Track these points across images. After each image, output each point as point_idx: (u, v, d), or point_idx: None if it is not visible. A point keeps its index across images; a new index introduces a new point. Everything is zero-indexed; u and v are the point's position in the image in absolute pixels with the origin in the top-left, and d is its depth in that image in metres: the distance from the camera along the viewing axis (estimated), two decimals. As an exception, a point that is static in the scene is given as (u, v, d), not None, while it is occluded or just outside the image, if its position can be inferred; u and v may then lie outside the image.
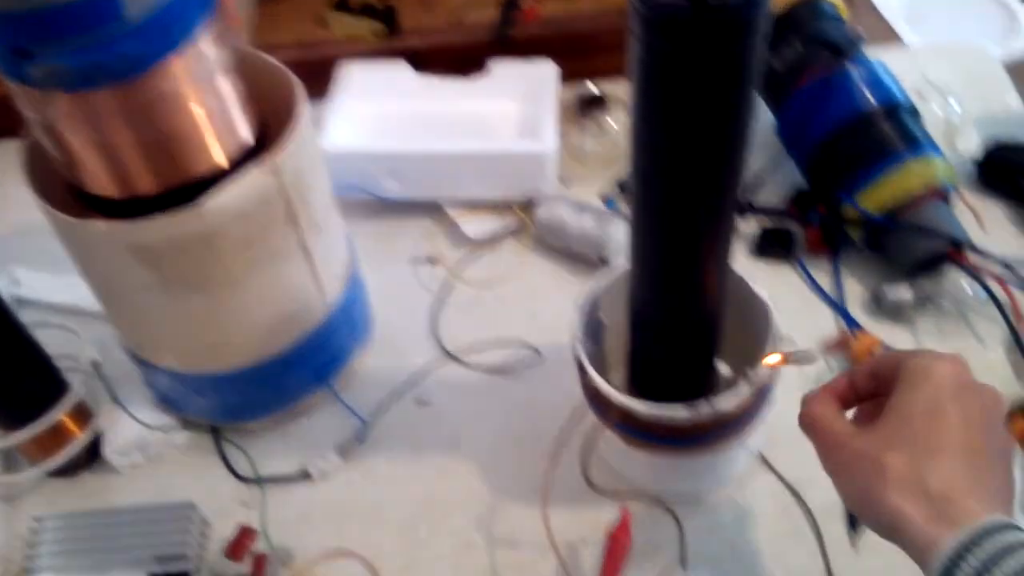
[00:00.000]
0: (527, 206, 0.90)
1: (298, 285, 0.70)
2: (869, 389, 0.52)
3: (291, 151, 0.63)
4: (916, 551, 0.44)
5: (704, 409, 0.61)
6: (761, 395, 0.64)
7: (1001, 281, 0.80)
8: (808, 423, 0.51)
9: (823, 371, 0.79)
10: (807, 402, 0.53)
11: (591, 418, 0.68)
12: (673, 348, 0.63)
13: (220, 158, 0.62)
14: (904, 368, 0.47)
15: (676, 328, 0.61)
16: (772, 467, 0.74)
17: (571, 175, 0.95)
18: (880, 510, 0.45)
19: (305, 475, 0.76)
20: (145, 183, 0.60)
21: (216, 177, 0.61)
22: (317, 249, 0.70)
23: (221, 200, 0.60)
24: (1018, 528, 0.42)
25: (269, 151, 0.63)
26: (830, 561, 0.69)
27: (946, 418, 0.45)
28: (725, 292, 0.60)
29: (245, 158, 0.63)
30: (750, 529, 0.71)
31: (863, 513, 0.47)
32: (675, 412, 0.61)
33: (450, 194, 0.91)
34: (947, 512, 0.43)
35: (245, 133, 0.63)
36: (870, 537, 0.69)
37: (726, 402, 0.61)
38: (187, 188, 0.60)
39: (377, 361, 0.83)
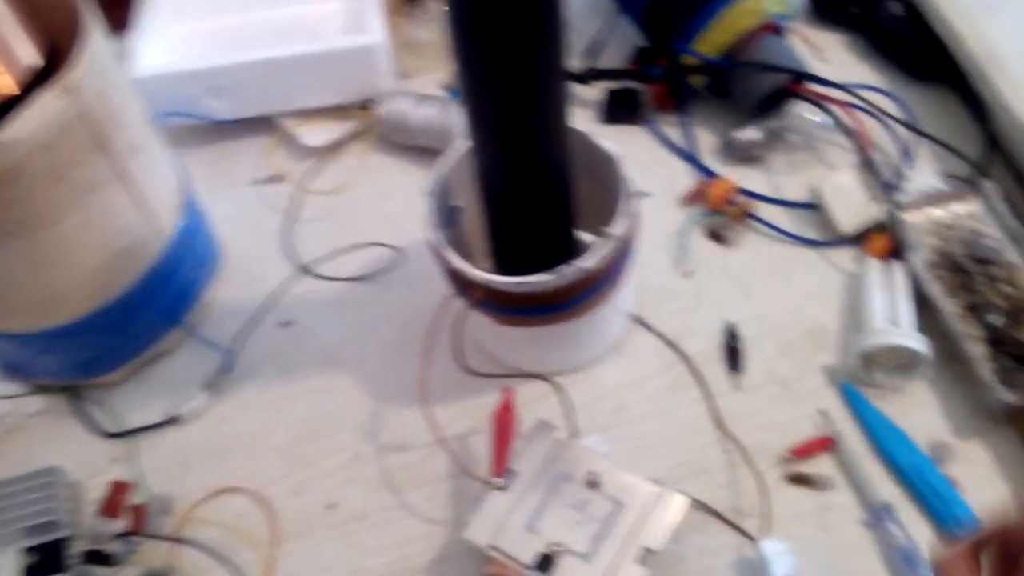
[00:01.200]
0: (367, 106, 0.86)
1: (123, 218, 0.65)
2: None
3: (85, 70, 0.58)
4: None
5: (567, 271, 0.59)
6: (622, 250, 0.63)
7: (844, 106, 0.81)
8: None
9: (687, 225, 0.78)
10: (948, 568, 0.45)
11: (459, 306, 0.65)
12: (525, 216, 0.61)
13: (8, 83, 0.56)
14: None
15: (523, 193, 0.59)
16: (648, 326, 0.73)
17: (409, 68, 0.91)
18: None
19: (175, 419, 0.72)
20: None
21: (7, 108, 0.56)
22: (138, 177, 0.65)
23: (16, 129, 0.55)
24: None
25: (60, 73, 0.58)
26: (717, 404, 0.69)
27: None
28: (567, 150, 0.58)
29: (37, 84, 0.58)
30: (635, 390, 0.71)
31: None
32: (537, 279, 0.59)
33: (282, 106, 0.86)
34: None
35: (29, 54, 0.58)
36: (750, 376, 0.70)
37: (587, 261, 0.59)
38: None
39: (232, 290, 0.79)
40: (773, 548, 0.60)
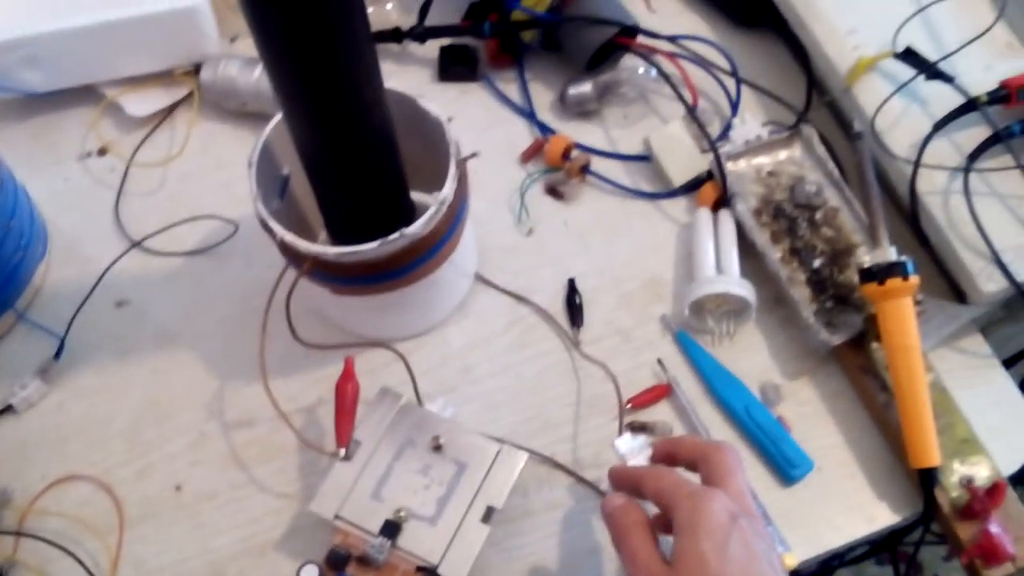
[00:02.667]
0: (194, 71, 0.83)
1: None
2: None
3: None
4: None
5: (392, 239, 0.59)
6: (454, 214, 0.63)
7: (671, 57, 0.82)
8: (620, 543, 0.52)
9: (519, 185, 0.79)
10: (617, 516, 0.53)
11: (294, 278, 0.65)
12: (348, 183, 0.61)
13: None
14: (680, 511, 0.49)
15: (342, 161, 0.59)
16: (491, 284, 0.74)
17: (237, 29, 0.88)
18: None
19: (8, 408, 0.69)
20: None
21: None
22: (-59, 162, 0.62)
23: None
24: None
25: None
26: (561, 359, 0.71)
27: (736, 560, 0.47)
28: (384, 114, 0.57)
29: None
30: (480, 349, 0.72)
31: None
32: (363, 248, 0.59)
33: (104, 74, 0.82)
34: None
35: None
36: (591, 329, 0.72)
37: (415, 227, 0.59)
38: None
39: (62, 271, 0.76)
40: (628, 443, 0.62)
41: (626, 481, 0.55)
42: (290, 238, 0.61)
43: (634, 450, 0.62)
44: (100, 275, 0.74)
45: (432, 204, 0.60)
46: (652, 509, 0.52)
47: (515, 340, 0.72)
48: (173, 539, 0.65)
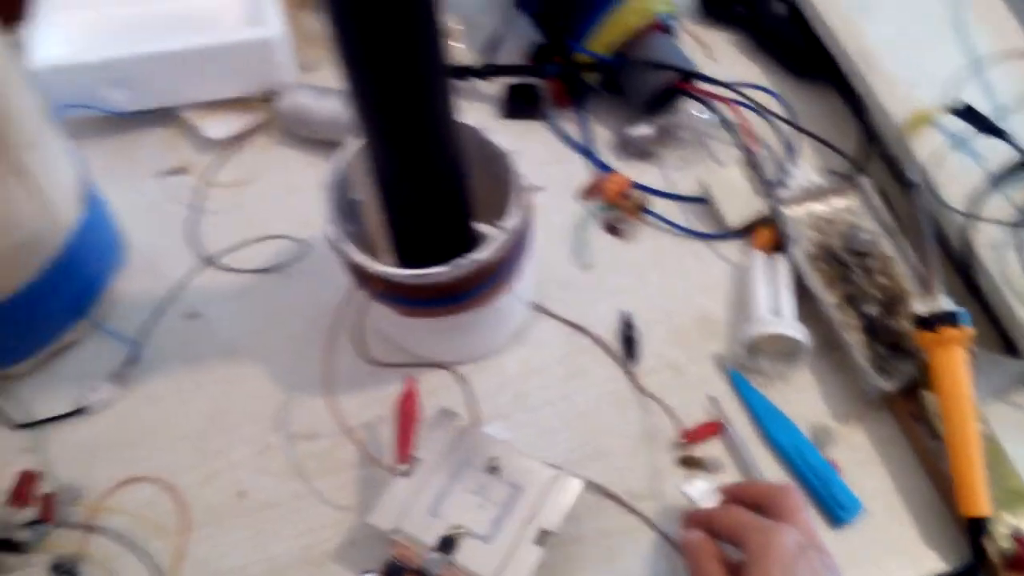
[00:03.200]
0: (269, 98, 0.87)
1: (19, 212, 0.65)
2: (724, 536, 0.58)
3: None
4: None
5: (462, 263, 0.61)
6: (517, 242, 0.66)
7: (730, 103, 0.85)
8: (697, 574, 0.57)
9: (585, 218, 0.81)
10: (694, 550, 0.58)
11: (362, 298, 0.67)
12: (419, 210, 0.63)
13: None
14: (750, 544, 0.54)
15: (415, 188, 0.61)
16: (549, 314, 0.76)
17: (312, 60, 0.92)
18: None
19: (82, 410, 0.72)
20: None
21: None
22: (35, 171, 0.65)
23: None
24: None
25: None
26: (614, 391, 0.73)
27: None
28: (457, 145, 0.60)
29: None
30: (535, 377, 0.74)
31: None
32: (433, 272, 0.62)
33: (184, 97, 0.86)
34: None
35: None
36: (645, 364, 0.74)
37: (482, 253, 0.62)
38: None
39: (137, 283, 0.79)
40: (699, 489, 0.64)
41: (702, 521, 0.59)
42: (361, 259, 0.63)
43: (703, 494, 0.64)
44: (173, 288, 0.77)
45: (494, 234, 0.63)
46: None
47: (570, 369, 0.74)
48: (235, 544, 0.67)
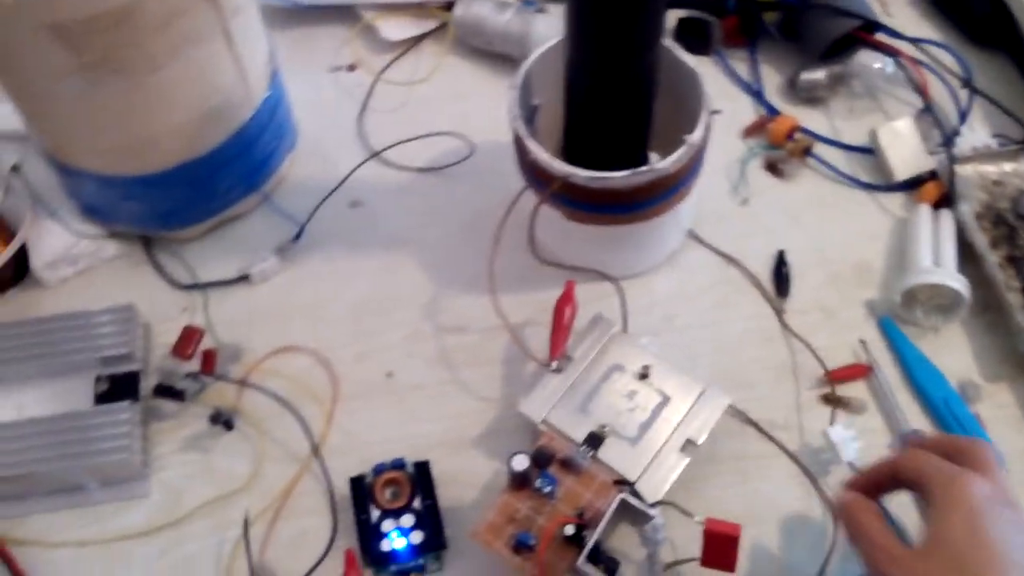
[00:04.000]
0: (446, 6, 0.88)
1: (221, 76, 0.68)
2: (891, 487, 0.53)
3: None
4: None
5: (642, 171, 0.62)
6: (697, 158, 0.66)
7: (908, 58, 0.84)
8: (856, 531, 0.51)
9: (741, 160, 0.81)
10: (850, 507, 0.52)
11: (530, 201, 0.69)
12: (609, 120, 0.64)
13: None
14: (935, 489, 0.48)
15: (613, 98, 0.62)
16: (704, 241, 0.77)
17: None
18: None
19: (244, 278, 0.75)
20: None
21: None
22: (238, 38, 0.68)
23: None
24: None
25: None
26: (762, 324, 0.73)
27: (989, 546, 0.45)
28: (656, 53, 0.61)
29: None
30: (685, 301, 0.74)
31: None
32: (614, 175, 0.62)
33: (364, -4, 0.89)
34: None
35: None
36: (795, 301, 0.74)
37: (665, 162, 0.63)
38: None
39: (306, 168, 0.82)
40: (840, 434, 0.64)
41: (871, 478, 0.54)
42: (545, 157, 0.65)
43: (845, 440, 0.64)
44: (339, 177, 0.80)
45: (659, 161, 0.63)
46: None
47: (719, 299, 0.74)
48: (380, 419, 0.69)
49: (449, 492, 0.65)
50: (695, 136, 0.64)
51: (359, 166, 0.80)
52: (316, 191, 0.79)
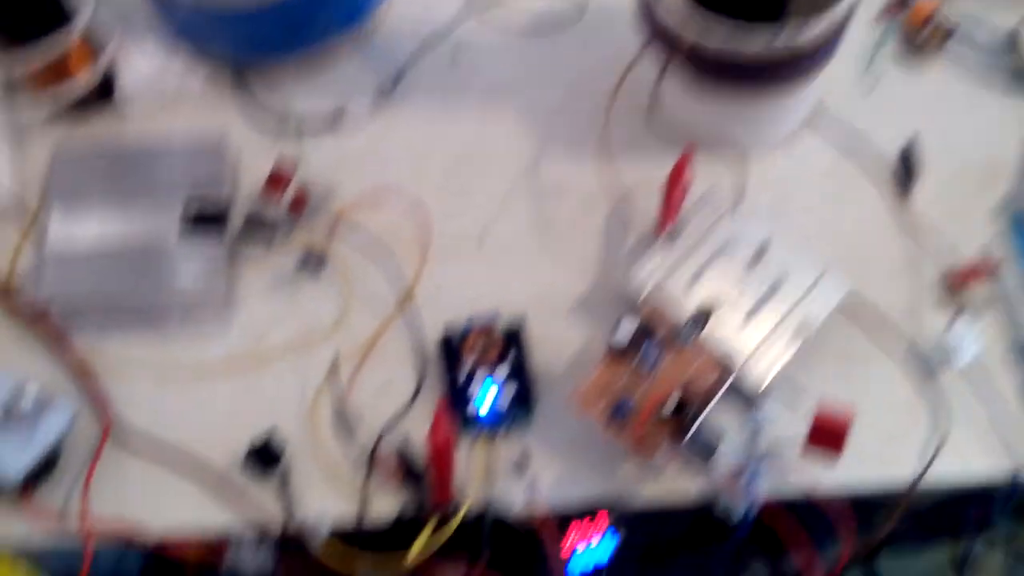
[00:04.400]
0: None
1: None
2: None
3: None
4: None
5: (779, 40, 0.57)
6: (836, 33, 0.61)
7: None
8: None
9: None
10: None
11: (644, 67, 0.64)
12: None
13: None
14: None
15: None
16: (826, 126, 0.72)
17: None
18: None
19: (338, 117, 0.71)
20: None
21: None
22: None
23: None
24: None
25: None
26: (881, 216, 0.68)
27: None
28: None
29: None
30: (803, 185, 0.70)
31: None
32: (747, 42, 0.57)
33: None
34: None
35: None
36: (918, 195, 0.69)
37: (801, 33, 0.57)
38: None
39: (405, 16, 0.77)
40: (959, 334, 0.61)
41: None
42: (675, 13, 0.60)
43: (963, 341, 0.61)
44: (441, 28, 0.75)
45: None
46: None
47: (838, 186, 0.70)
48: (471, 276, 0.66)
49: (537, 358, 0.62)
50: (840, 8, 0.59)
51: (461, 20, 0.75)
52: (415, 40, 0.75)
